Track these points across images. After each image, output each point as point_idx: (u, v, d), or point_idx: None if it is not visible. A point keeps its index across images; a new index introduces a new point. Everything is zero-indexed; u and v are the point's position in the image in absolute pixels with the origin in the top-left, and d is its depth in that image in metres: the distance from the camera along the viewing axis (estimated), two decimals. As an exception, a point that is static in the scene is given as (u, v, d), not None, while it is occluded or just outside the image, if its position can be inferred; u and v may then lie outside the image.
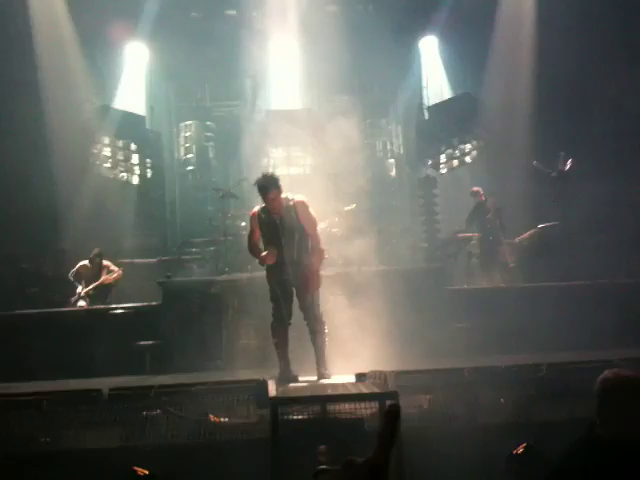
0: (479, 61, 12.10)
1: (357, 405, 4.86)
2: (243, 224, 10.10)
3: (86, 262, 9.85)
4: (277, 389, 4.99)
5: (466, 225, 10.71)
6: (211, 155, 13.46)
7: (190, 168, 13.41)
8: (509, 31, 12.02)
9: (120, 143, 12.43)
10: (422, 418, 5.26)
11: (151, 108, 13.33)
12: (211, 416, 5.49)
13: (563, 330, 6.95)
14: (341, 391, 4.89)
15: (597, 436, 2.67)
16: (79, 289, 9.77)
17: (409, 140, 13.74)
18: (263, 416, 5.12)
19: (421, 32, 13.29)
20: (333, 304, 6.92)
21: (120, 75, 12.86)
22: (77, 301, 9.70)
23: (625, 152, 10.46)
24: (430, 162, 12.56)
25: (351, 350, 6.36)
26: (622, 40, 10.48)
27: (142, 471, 4.71)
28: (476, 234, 10.58)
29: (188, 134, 13.49)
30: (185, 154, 13.51)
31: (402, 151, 13.96)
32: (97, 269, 9.88)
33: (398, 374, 5.23)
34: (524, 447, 4.53)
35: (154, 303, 8.62)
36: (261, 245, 6.15)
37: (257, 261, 6.21)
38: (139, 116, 12.87)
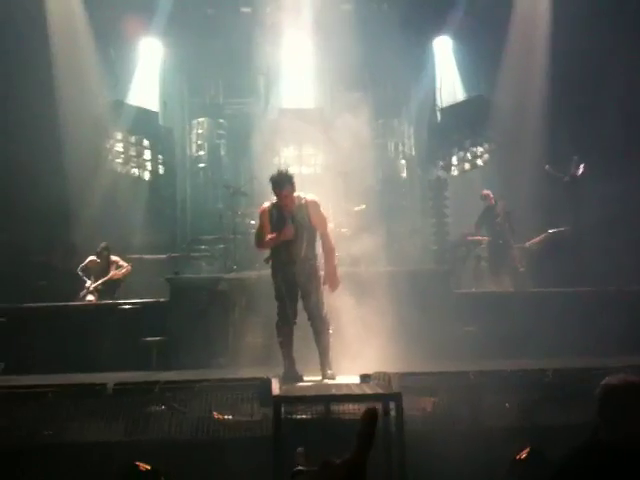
0: (493, 63, 12.04)
1: (360, 406, 4.84)
2: (252, 222, 10.08)
3: (94, 257, 9.90)
4: (281, 388, 4.98)
5: (475, 228, 10.67)
6: (222, 153, 13.45)
7: (201, 165, 13.41)
8: (523, 33, 11.95)
9: (133, 139, 12.47)
10: (426, 421, 5.24)
11: (164, 104, 13.35)
12: (215, 413, 5.49)
13: (569, 336, 6.90)
14: (344, 391, 4.87)
15: (599, 440, 2.65)
16: (88, 283, 9.82)
17: (421, 141, 13.69)
18: (266, 414, 5.12)
19: (435, 32, 13.23)
20: (340, 304, 6.91)
21: (134, 71, 12.89)
22: (85, 296, 9.76)
23: (638, 154, 10.36)
24: (441, 164, 12.51)
25: (357, 350, 6.34)
26: (637, 43, 10.38)
27: (144, 466, 4.71)
28: (485, 237, 10.53)
29: (200, 131, 13.50)
30: (197, 151, 13.52)
31: (414, 152, 13.90)
32: (105, 264, 9.93)
33: (402, 375, 5.20)
34: (528, 451, 4.49)
35: (162, 299, 8.65)
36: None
37: (264, 258, 6.21)
38: (152, 112, 12.90)
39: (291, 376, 5.82)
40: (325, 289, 6.04)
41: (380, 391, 4.66)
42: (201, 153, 13.43)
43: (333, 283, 6.01)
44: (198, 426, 5.35)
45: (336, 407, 4.92)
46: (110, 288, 9.90)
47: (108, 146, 11.92)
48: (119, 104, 12.20)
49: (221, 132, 13.49)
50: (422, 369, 6.28)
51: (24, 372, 7.16)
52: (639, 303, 7.95)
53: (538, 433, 5.06)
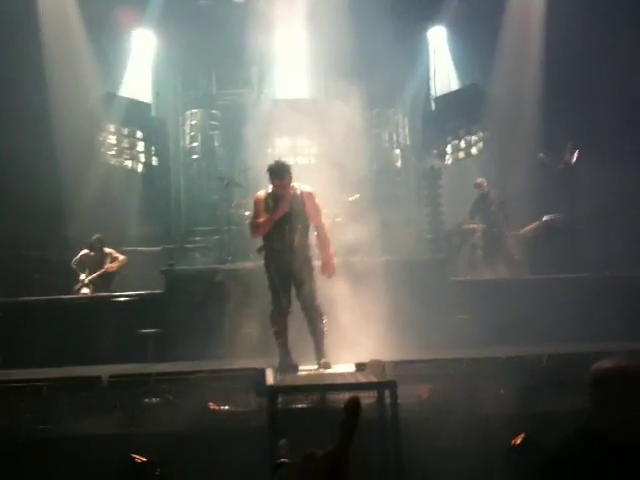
0: (487, 52, 12.00)
1: (355, 394, 4.83)
2: (247, 213, 10.05)
3: (87, 250, 9.88)
4: (275, 378, 4.98)
5: (469, 216, 10.67)
6: (216, 144, 13.40)
7: (195, 157, 13.37)
8: (518, 22, 11.92)
9: (125, 131, 12.41)
10: (421, 409, 5.24)
11: (157, 95, 13.28)
12: (210, 404, 5.48)
13: (566, 322, 6.90)
14: (339, 380, 4.87)
15: (592, 427, 2.64)
16: (82, 277, 9.79)
17: (415, 131, 13.67)
18: (262, 405, 5.11)
19: (430, 22, 13.19)
20: (336, 293, 6.92)
21: (126, 62, 12.82)
22: (80, 289, 9.73)
23: (632, 142, 10.36)
24: (436, 152, 12.49)
25: (353, 339, 6.36)
26: (632, 31, 10.35)
27: (140, 458, 4.72)
28: (480, 225, 10.53)
29: (194, 122, 13.45)
30: (190, 142, 13.47)
31: (408, 141, 13.89)
32: (100, 256, 9.91)
33: (397, 364, 5.21)
34: (522, 438, 4.51)
35: (157, 291, 8.64)
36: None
37: (256, 248, 6.23)
38: (145, 104, 12.84)
39: (286, 366, 5.84)
40: (321, 278, 6.07)
41: (375, 379, 4.67)
42: (195, 144, 13.38)
43: (329, 271, 6.10)
44: (193, 417, 5.34)
45: (331, 396, 4.91)
46: (105, 281, 9.88)
47: (101, 138, 11.86)
48: (111, 96, 12.14)
49: (214, 123, 13.44)
50: (418, 357, 6.28)
51: (20, 366, 7.13)
52: (634, 289, 7.95)
53: (535, 420, 5.06)
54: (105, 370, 6.26)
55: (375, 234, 8.79)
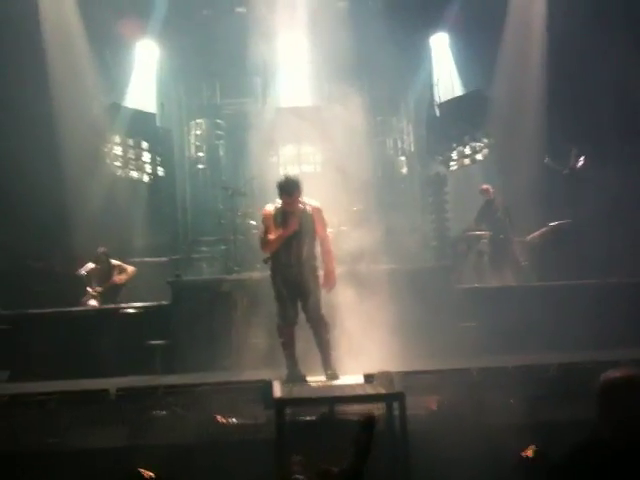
0: (490, 58, 12.00)
1: (364, 406, 4.83)
2: (253, 223, 10.07)
3: (92, 264, 9.89)
4: (283, 390, 4.97)
5: (475, 223, 10.65)
6: (221, 153, 13.41)
7: (201, 166, 13.38)
8: (520, 27, 11.92)
9: (131, 141, 12.41)
10: (429, 419, 5.22)
11: (161, 106, 13.31)
12: (218, 417, 5.48)
13: (572, 329, 6.88)
14: (347, 392, 4.86)
15: (600, 437, 2.63)
16: (89, 289, 9.81)
17: (420, 137, 13.65)
18: (270, 417, 5.10)
19: (432, 29, 13.18)
20: (342, 302, 6.91)
21: (130, 73, 12.84)
22: (88, 301, 9.74)
23: (635, 146, 10.33)
24: (440, 159, 12.47)
25: (360, 349, 6.34)
26: (633, 35, 10.35)
27: (147, 473, 4.71)
28: (486, 232, 10.50)
29: (199, 132, 13.46)
30: (196, 152, 13.48)
31: (413, 148, 13.88)
32: (107, 267, 9.92)
33: (405, 375, 5.20)
34: (532, 449, 4.48)
35: (164, 302, 8.63)
36: None
37: (263, 259, 6.24)
38: (150, 114, 12.85)
39: (294, 377, 5.82)
40: (323, 289, 6.10)
41: (383, 391, 4.65)
42: (200, 154, 13.39)
43: (330, 283, 6.17)
44: (201, 430, 5.34)
45: (339, 408, 4.90)
46: (112, 292, 9.89)
47: (106, 149, 11.87)
48: (116, 107, 12.15)
49: (219, 133, 13.45)
50: (425, 366, 6.28)
51: (28, 379, 7.15)
52: (640, 295, 7.93)
53: (543, 430, 5.03)
54: (113, 383, 6.28)
55: (380, 241, 8.76)
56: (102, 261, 9.91)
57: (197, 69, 13.49)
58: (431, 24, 12.91)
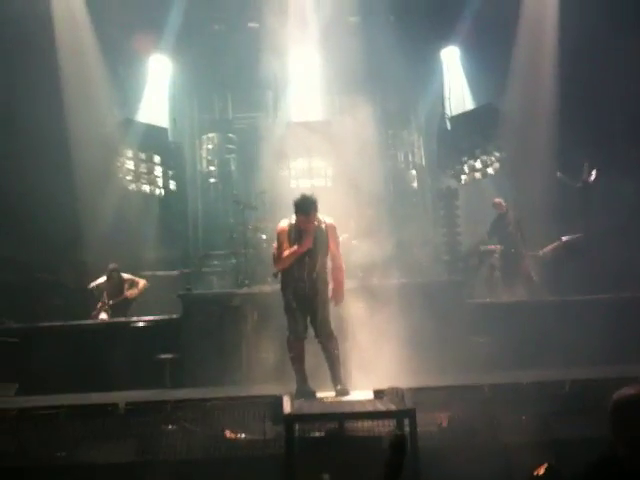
0: (501, 71, 11.97)
1: (374, 423, 4.78)
2: (264, 237, 10.06)
3: (105, 278, 9.91)
4: (293, 405, 4.92)
5: (488, 237, 10.58)
6: (233, 167, 13.47)
7: (212, 180, 13.44)
8: (531, 40, 11.88)
9: (143, 156, 12.48)
10: (440, 436, 5.15)
11: (174, 120, 13.39)
12: (227, 432, 5.44)
13: (586, 345, 6.78)
14: (357, 408, 4.81)
15: (614, 455, 2.58)
16: (99, 304, 9.83)
17: (431, 151, 13.64)
18: (279, 433, 5.06)
19: (443, 43, 13.20)
20: (352, 317, 6.87)
21: (143, 88, 12.95)
22: (99, 314, 9.76)
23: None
24: (452, 173, 12.43)
25: (370, 363, 6.30)
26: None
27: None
28: (498, 246, 10.43)
29: (210, 147, 13.53)
30: (207, 167, 13.55)
31: (424, 162, 13.86)
32: (118, 282, 9.93)
33: (416, 390, 5.14)
34: (545, 467, 4.40)
35: (174, 316, 8.62)
36: None
37: (274, 272, 6.23)
38: (162, 128, 12.93)
39: (303, 392, 5.77)
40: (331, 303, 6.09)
41: (394, 408, 4.60)
42: (211, 168, 13.45)
43: (338, 297, 6.19)
44: (210, 445, 5.31)
45: (349, 424, 4.85)
46: (123, 306, 9.90)
47: (119, 164, 11.94)
48: (128, 122, 12.24)
49: (231, 147, 13.51)
50: (436, 382, 6.21)
51: (37, 392, 7.14)
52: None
53: (557, 447, 4.95)
54: (122, 397, 6.25)
55: (391, 255, 8.73)
56: (113, 277, 9.93)
57: (209, 84, 13.61)
58: (442, 38, 12.93)
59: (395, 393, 4.90)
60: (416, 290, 8.04)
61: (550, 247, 10.48)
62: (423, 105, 13.95)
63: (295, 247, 5.90)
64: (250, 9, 12.24)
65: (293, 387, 5.91)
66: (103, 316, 9.68)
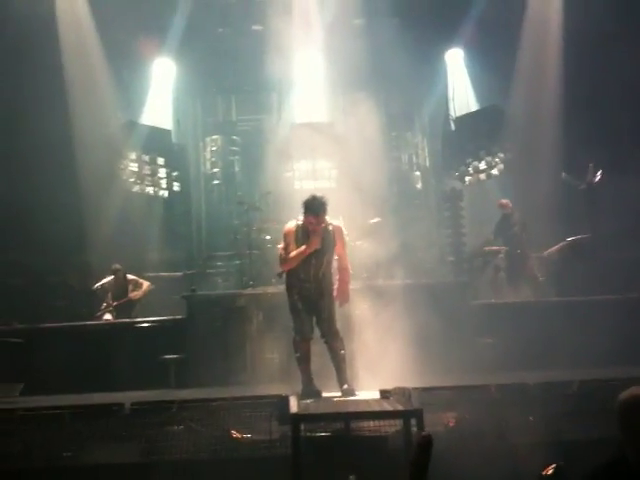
0: (505, 72, 11.96)
1: (380, 423, 4.76)
2: (268, 237, 10.05)
3: (111, 278, 9.92)
4: (299, 405, 4.90)
5: (493, 238, 10.56)
6: (237, 169, 13.47)
7: (216, 182, 13.44)
8: (536, 42, 11.87)
9: (147, 158, 12.50)
10: (447, 436, 5.12)
11: (177, 122, 13.41)
12: (233, 432, 5.42)
13: (592, 345, 6.75)
14: (364, 408, 4.78)
15: (622, 457, 2.56)
16: (104, 305, 9.83)
17: (435, 152, 13.64)
18: (285, 433, 5.03)
19: (447, 45, 13.21)
20: (358, 318, 6.86)
21: (147, 91, 12.97)
22: (103, 315, 9.76)
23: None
24: (456, 174, 12.41)
25: (375, 363, 6.28)
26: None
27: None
28: (503, 247, 10.40)
29: (214, 148, 13.53)
30: (211, 168, 13.56)
31: (428, 163, 13.86)
32: (122, 282, 9.94)
33: (423, 391, 5.11)
34: (553, 468, 4.37)
35: (179, 317, 8.62)
36: None
37: (278, 272, 6.23)
38: (166, 130, 12.96)
39: (309, 392, 5.75)
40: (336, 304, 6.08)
41: (400, 408, 4.57)
42: (215, 170, 13.46)
43: (343, 297, 6.19)
44: (216, 445, 5.28)
45: (355, 424, 4.83)
46: (127, 307, 9.91)
47: (122, 166, 11.95)
48: (132, 124, 12.26)
49: (235, 149, 13.51)
50: (443, 383, 6.18)
51: (42, 392, 7.14)
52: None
53: (564, 448, 4.92)
54: (127, 397, 6.24)
55: (396, 257, 8.72)
56: (118, 277, 9.93)
57: (213, 86, 13.64)
58: (446, 40, 12.93)
59: (402, 393, 4.87)
60: (421, 291, 8.01)
61: (555, 248, 10.46)
62: (427, 107, 13.95)
63: (303, 247, 5.89)
64: (254, 12, 12.27)
65: (298, 387, 5.89)
66: (107, 317, 9.68)
